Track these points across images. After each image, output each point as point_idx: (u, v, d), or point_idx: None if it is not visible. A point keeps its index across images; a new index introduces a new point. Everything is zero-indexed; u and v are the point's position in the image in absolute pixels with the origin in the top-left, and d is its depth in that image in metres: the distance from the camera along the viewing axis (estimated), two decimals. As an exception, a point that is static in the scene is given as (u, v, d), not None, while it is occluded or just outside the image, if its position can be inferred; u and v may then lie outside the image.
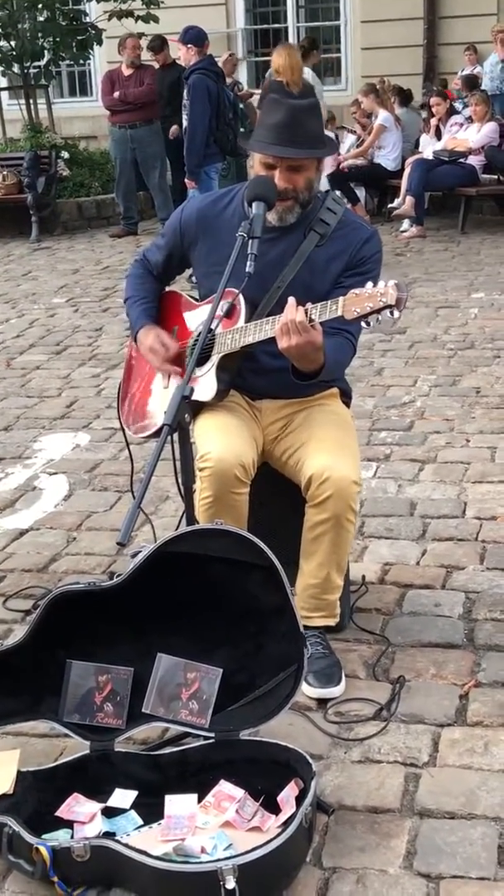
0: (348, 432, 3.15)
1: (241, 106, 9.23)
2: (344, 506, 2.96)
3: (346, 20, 14.69)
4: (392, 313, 2.64)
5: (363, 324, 2.69)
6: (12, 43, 12.15)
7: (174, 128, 11.25)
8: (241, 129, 9.19)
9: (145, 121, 10.91)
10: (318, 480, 2.95)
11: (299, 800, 2.42)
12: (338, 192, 10.65)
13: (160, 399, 3.15)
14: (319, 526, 3.00)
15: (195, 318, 3.16)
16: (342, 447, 3.03)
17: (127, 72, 11.01)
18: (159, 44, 11.48)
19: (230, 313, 3.00)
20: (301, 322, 2.78)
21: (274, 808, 2.48)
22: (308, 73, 11.52)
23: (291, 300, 2.83)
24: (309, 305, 2.80)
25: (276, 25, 15.25)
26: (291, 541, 3.05)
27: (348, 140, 11.90)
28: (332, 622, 3.14)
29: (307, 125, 2.97)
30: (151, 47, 11.45)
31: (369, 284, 2.68)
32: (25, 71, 12.41)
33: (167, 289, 3.37)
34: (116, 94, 10.98)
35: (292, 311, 2.80)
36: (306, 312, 2.78)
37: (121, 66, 11.09)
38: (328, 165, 10.31)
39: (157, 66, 11.40)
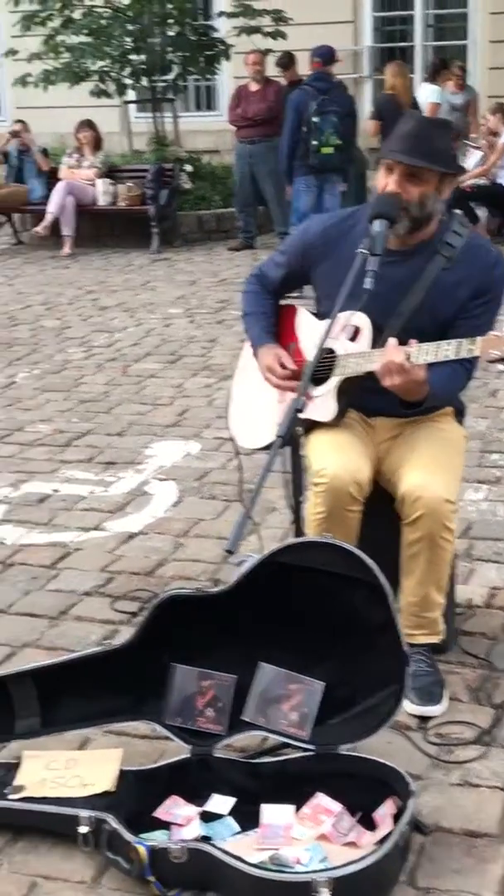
0: (451, 451, 3.12)
1: (316, 120, 9.54)
2: (437, 525, 2.94)
3: (475, 40, 14.58)
4: None
5: (500, 365, 2.69)
6: (143, 57, 12.37)
7: None
8: (314, 143, 9.56)
9: (264, 137, 10.99)
10: (409, 499, 2.94)
11: (396, 818, 2.42)
12: (459, 212, 10.59)
13: (272, 412, 3.17)
14: (414, 545, 2.98)
15: (312, 335, 3.15)
16: (440, 465, 3.01)
17: (253, 87, 11.13)
18: (287, 60, 11.56)
19: (354, 336, 3.01)
20: (401, 364, 2.82)
21: (370, 825, 2.48)
22: (435, 91, 11.53)
23: (392, 340, 2.87)
24: (412, 346, 2.83)
25: (403, 44, 15.21)
26: (398, 556, 3.04)
27: (473, 157, 11.78)
28: (434, 640, 3.12)
29: (433, 139, 2.98)
30: (280, 64, 11.54)
31: None
32: (154, 85, 12.63)
33: (286, 302, 3.39)
34: (239, 109, 11.12)
35: (392, 353, 2.84)
36: (406, 354, 2.82)
37: (249, 82, 11.22)
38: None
39: (284, 82, 11.49)
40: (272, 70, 11.55)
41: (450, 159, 3.10)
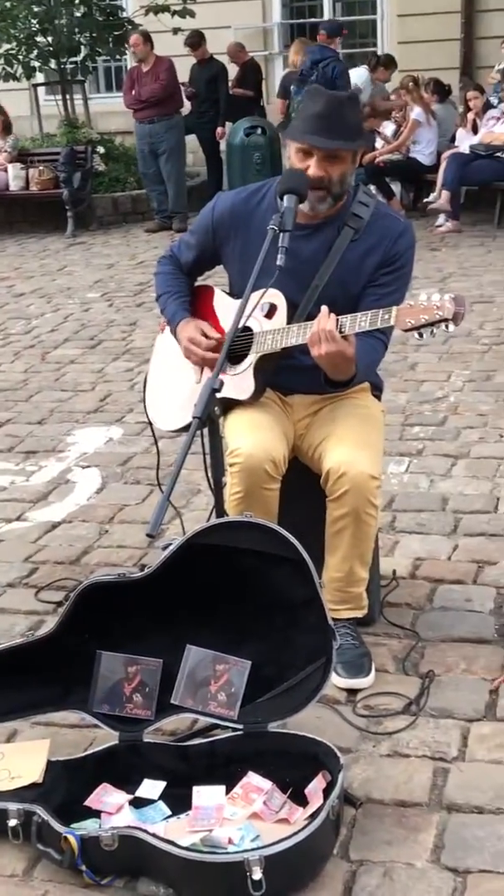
0: (372, 427, 3.13)
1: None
2: (362, 501, 2.96)
3: (383, 14, 14.60)
4: (447, 327, 2.65)
5: (416, 335, 2.69)
6: (49, 38, 12.19)
7: (220, 129, 11.36)
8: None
9: (162, 116, 10.92)
10: (335, 475, 2.95)
11: (327, 792, 2.43)
12: (372, 187, 10.62)
13: (190, 393, 3.14)
14: (339, 521, 3.00)
15: (229, 315, 3.11)
16: (362, 441, 3.02)
17: (145, 68, 11.00)
18: (197, 39, 11.47)
19: (270, 313, 2.99)
20: (331, 331, 2.80)
21: (301, 801, 2.49)
22: (363, 76, 11.54)
23: (324, 308, 2.84)
24: (347, 316, 2.81)
25: (313, 20, 15.18)
26: (322, 535, 3.05)
27: (387, 130, 11.80)
28: (359, 614, 3.14)
29: (345, 116, 2.96)
30: (190, 43, 11.45)
31: (424, 296, 2.68)
32: (62, 66, 12.45)
33: (200, 283, 3.36)
34: (133, 91, 11.02)
35: (324, 321, 2.82)
36: (337, 322, 2.79)
37: (140, 64, 11.10)
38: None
39: (195, 61, 11.40)
40: (180, 49, 11.44)
41: (362, 133, 3.11)
